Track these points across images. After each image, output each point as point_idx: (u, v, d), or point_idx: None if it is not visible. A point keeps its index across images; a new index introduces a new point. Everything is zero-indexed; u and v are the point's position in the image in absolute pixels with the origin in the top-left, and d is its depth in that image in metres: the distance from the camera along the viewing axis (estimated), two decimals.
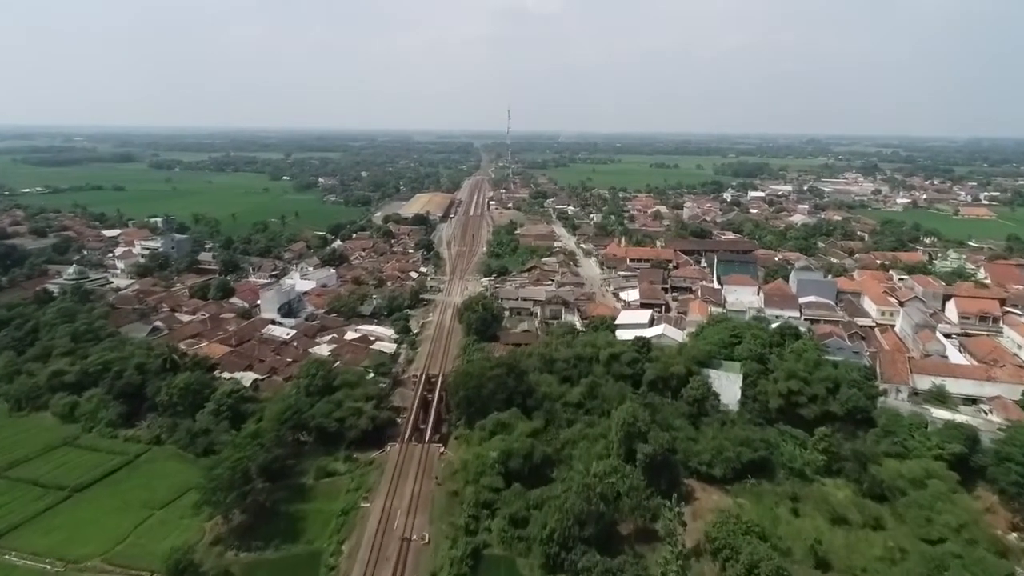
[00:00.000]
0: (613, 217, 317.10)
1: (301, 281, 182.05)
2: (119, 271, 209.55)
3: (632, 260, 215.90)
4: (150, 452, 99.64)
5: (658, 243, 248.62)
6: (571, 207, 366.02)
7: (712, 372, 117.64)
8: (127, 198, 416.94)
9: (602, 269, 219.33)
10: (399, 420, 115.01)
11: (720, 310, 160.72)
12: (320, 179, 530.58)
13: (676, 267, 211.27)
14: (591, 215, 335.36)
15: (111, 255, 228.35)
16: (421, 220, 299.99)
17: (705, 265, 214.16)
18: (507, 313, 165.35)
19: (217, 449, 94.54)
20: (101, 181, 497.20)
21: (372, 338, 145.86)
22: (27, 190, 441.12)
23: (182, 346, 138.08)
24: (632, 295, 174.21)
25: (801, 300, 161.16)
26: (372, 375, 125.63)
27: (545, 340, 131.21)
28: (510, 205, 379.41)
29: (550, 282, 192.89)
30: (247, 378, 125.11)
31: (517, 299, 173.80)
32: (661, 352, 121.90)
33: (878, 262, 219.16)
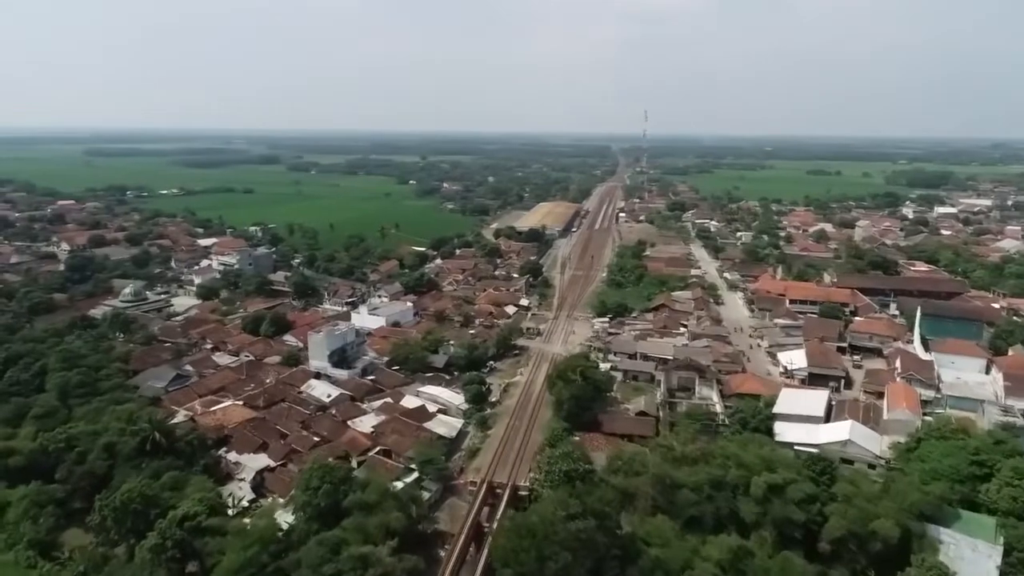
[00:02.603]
0: (765, 237, 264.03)
1: (368, 317, 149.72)
2: (194, 288, 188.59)
3: (792, 301, 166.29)
4: None
5: (826, 276, 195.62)
6: (714, 222, 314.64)
7: (944, 534, 71.00)
8: (251, 201, 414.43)
9: (751, 311, 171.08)
10: (443, 551, 78.40)
11: (932, 394, 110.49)
12: (444, 184, 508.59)
13: (854, 312, 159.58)
14: (738, 233, 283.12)
15: (196, 268, 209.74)
16: (535, 236, 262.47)
17: (897, 312, 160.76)
18: (619, 376, 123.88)
19: None
20: (236, 183, 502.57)
21: (434, 408, 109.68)
22: (164, 192, 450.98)
23: (198, 406, 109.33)
24: (796, 359, 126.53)
25: None
26: (416, 475, 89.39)
27: (667, 443, 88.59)
28: (642, 218, 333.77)
29: (682, 328, 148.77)
30: (253, 466, 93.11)
31: (635, 356, 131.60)
32: (852, 486, 76.12)
33: None
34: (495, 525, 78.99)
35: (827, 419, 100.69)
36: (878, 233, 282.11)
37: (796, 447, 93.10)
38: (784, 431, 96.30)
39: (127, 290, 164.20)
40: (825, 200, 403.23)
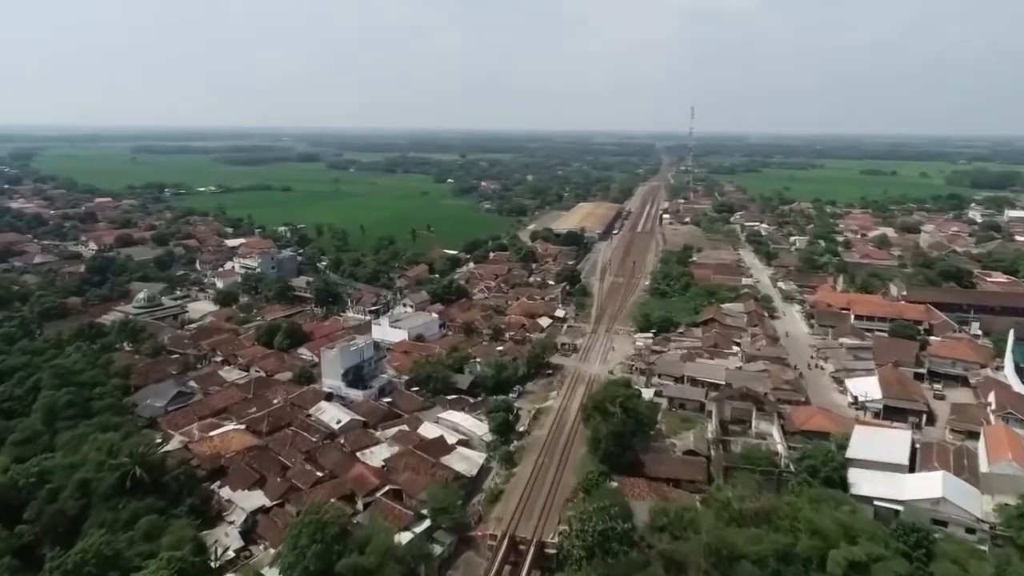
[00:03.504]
0: (822, 242, 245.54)
1: (389, 329, 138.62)
2: (214, 292, 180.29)
3: (858, 317, 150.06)
4: None
5: (891, 287, 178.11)
6: (764, 225, 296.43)
7: None
8: (287, 199, 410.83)
9: (811, 327, 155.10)
10: None
11: None
12: (483, 183, 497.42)
13: (928, 331, 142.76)
14: (791, 238, 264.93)
15: (220, 270, 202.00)
16: (574, 239, 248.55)
17: (979, 332, 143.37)
18: (664, 404, 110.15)
19: None
20: (275, 181, 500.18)
21: (454, 439, 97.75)
22: (201, 189, 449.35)
23: (195, 430, 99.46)
24: (868, 388, 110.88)
25: None
26: (428, 522, 77.56)
27: (721, 497, 74.80)
28: (687, 220, 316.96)
29: (734, 347, 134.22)
30: (246, 506, 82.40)
31: (681, 379, 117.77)
32: (956, 566, 61.73)
33: None
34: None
35: (911, 468, 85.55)
36: (946, 239, 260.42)
37: (876, 503, 78.80)
38: (860, 481, 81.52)
39: (140, 295, 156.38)
40: (883, 202, 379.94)
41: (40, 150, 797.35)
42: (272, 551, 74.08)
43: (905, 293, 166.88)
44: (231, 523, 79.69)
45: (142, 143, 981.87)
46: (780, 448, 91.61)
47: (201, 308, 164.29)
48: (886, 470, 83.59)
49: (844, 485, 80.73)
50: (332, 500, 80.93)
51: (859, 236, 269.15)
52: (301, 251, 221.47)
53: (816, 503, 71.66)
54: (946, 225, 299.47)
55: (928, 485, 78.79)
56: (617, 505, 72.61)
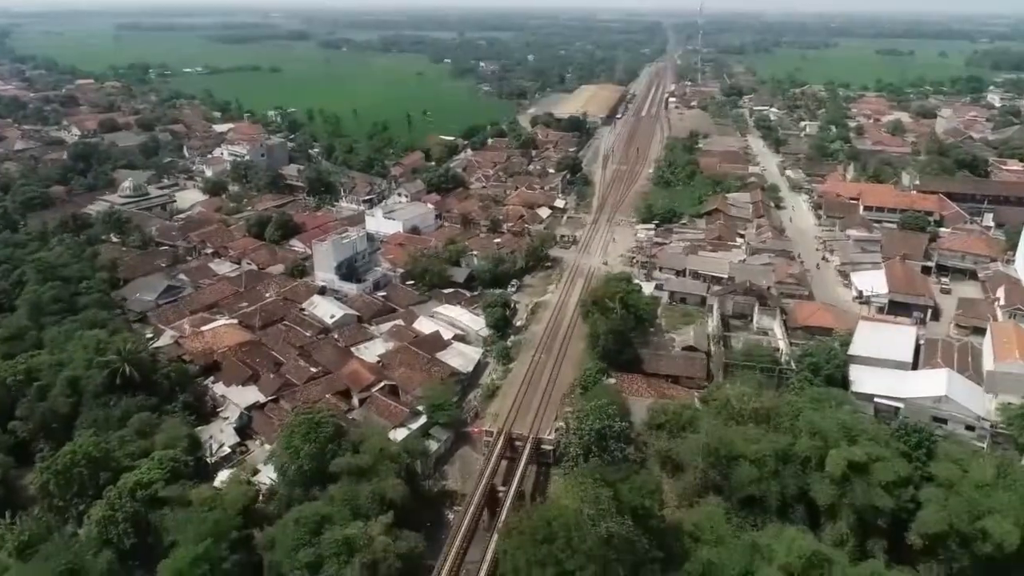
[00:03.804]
0: (833, 128, 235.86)
1: (383, 221, 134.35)
2: (203, 181, 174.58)
3: (867, 208, 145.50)
4: None
5: (904, 176, 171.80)
6: (774, 110, 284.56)
7: None
8: (276, 81, 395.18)
9: (818, 218, 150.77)
10: (452, 513, 67.34)
11: None
12: (481, 63, 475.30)
13: (939, 223, 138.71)
14: (802, 123, 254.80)
15: (209, 157, 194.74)
16: (576, 124, 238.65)
17: (992, 224, 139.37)
18: (664, 298, 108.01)
19: None
20: (264, 61, 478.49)
21: (450, 334, 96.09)
22: (187, 70, 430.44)
23: (187, 325, 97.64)
24: (874, 282, 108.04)
25: None
26: (424, 419, 77.10)
27: (721, 396, 73.49)
28: (694, 104, 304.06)
29: (738, 239, 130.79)
30: (240, 402, 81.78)
31: (683, 272, 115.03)
32: (956, 466, 61.01)
33: None
34: (511, 490, 66.87)
35: (914, 365, 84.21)
36: (963, 125, 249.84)
37: (877, 400, 77.91)
38: (862, 378, 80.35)
39: (126, 184, 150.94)
40: (899, 85, 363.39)
41: (16, 27, 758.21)
42: (268, 447, 73.99)
43: (918, 183, 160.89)
44: (226, 419, 79.42)
45: (127, 19, 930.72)
46: (782, 344, 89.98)
47: (189, 197, 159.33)
48: (889, 367, 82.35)
49: (846, 383, 79.64)
50: (327, 396, 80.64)
51: (872, 122, 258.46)
52: (292, 137, 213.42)
53: (817, 403, 70.41)
54: (963, 110, 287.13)
55: (932, 383, 77.59)
56: (615, 403, 71.55)
